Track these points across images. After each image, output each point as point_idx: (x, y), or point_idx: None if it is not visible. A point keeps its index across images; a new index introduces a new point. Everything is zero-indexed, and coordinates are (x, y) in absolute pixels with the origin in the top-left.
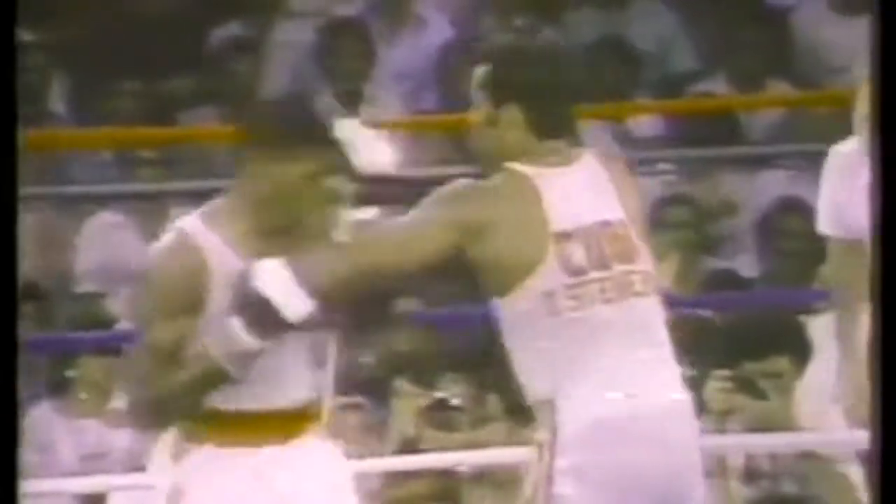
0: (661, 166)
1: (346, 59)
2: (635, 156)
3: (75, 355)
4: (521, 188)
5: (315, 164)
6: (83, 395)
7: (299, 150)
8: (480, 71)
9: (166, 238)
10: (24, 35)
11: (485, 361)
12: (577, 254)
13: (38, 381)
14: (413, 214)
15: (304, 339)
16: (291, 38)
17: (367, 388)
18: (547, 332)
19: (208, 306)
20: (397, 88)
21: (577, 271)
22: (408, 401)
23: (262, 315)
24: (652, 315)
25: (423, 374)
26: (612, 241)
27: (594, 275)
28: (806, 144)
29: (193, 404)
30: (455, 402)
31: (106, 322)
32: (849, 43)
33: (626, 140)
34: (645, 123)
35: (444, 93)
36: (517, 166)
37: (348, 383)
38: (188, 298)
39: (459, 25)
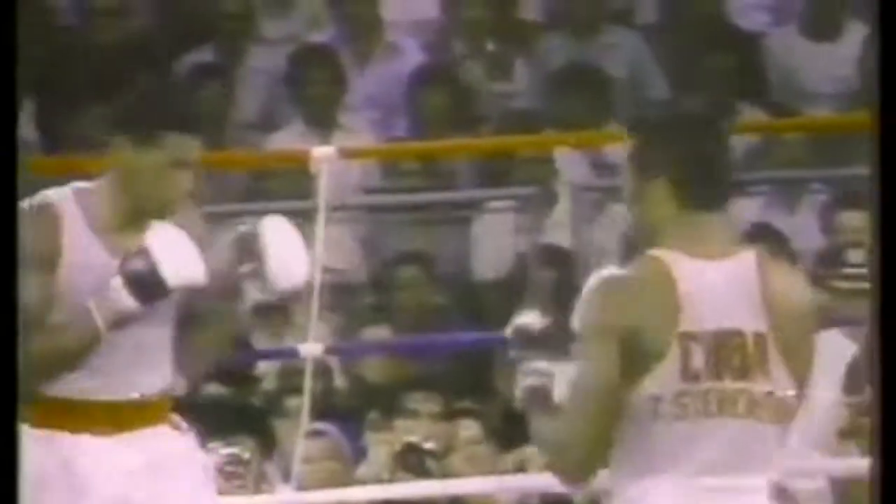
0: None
1: (317, 85)
2: (610, 184)
3: None
4: (660, 276)
5: (176, 153)
6: None
7: (162, 138)
8: (628, 143)
9: (34, 199)
10: None
11: (457, 386)
12: (697, 359)
13: None
14: (580, 356)
15: (144, 335)
16: (262, 64)
17: (339, 415)
18: (644, 433)
19: (58, 273)
20: (369, 115)
21: (692, 377)
22: (381, 445)
23: (145, 282)
24: (749, 441)
25: (394, 402)
26: (737, 354)
27: (706, 385)
28: (779, 171)
29: (67, 366)
30: (428, 446)
31: None
32: (821, 68)
33: (602, 168)
34: (618, 151)
35: (416, 119)
36: (658, 252)
37: (319, 409)
38: (43, 260)
39: (431, 51)
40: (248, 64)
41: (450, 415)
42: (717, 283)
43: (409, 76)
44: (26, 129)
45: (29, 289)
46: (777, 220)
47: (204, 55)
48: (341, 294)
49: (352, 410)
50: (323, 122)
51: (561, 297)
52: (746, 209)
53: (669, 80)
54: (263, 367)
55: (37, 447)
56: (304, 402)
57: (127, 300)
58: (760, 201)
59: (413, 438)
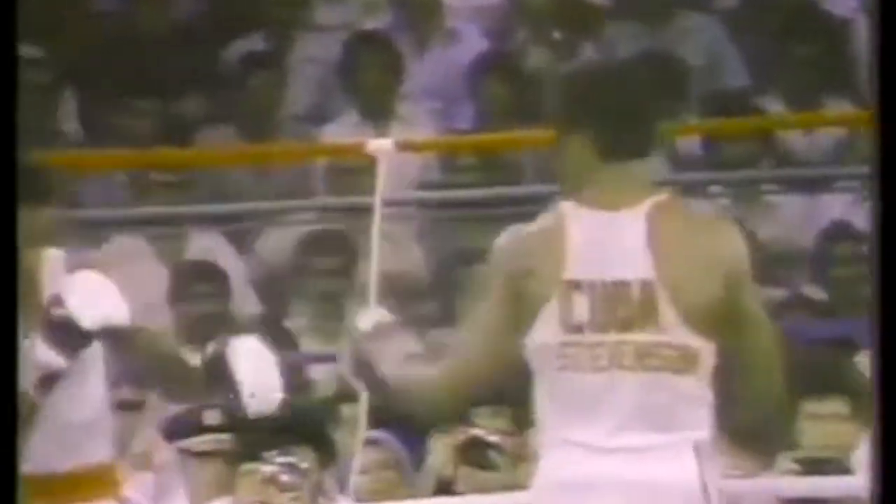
0: (713, 189)
1: (372, 74)
2: (682, 178)
3: None
4: (553, 226)
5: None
6: None
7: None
8: (553, 96)
9: None
10: (29, 51)
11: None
12: (580, 311)
13: None
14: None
15: (77, 399)
16: (314, 52)
17: (396, 423)
18: (541, 385)
19: None
20: (428, 105)
21: (573, 329)
22: (443, 438)
23: (62, 331)
24: (646, 393)
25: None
26: (622, 304)
27: (589, 337)
28: (864, 167)
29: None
30: (492, 438)
31: None
32: None
33: (677, 162)
34: (693, 144)
35: (479, 110)
36: (563, 203)
37: (376, 417)
38: None
39: (493, 38)
40: (300, 52)
41: (520, 428)
42: (609, 233)
43: (471, 64)
44: (67, 121)
45: None
46: (858, 219)
47: (254, 43)
48: (400, 296)
49: (411, 419)
50: (379, 112)
51: None
52: (830, 207)
53: (749, 68)
54: (318, 373)
55: None
56: (360, 409)
57: (48, 354)
58: (845, 199)
59: (477, 431)
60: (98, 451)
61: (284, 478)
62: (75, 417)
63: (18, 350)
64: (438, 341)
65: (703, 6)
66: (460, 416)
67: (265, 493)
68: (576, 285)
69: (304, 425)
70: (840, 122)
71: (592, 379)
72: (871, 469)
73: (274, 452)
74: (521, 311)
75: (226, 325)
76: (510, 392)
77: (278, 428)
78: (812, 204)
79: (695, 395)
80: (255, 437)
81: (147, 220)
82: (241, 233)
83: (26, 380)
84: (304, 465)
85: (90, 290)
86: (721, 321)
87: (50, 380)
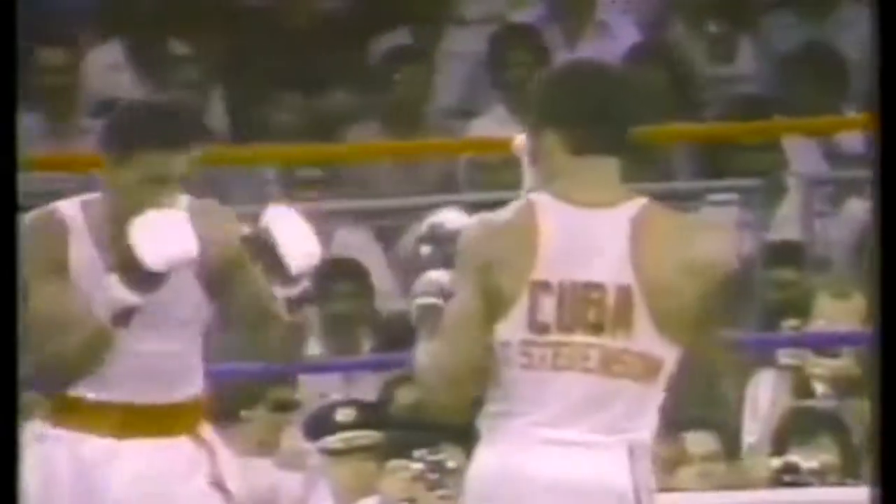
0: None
1: (520, 68)
2: (845, 175)
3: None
4: (525, 219)
5: (154, 170)
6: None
7: (137, 157)
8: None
9: (39, 210)
10: (179, 49)
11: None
12: (547, 309)
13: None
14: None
15: (165, 337)
16: (461, 47)
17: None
18: (500, 378)
19: (70, 275)
20: None
21: (538, 328)
22: None
23: (135, 269)
24: (602, 396)
25: None
26: (593, 307)
27: (554, 337)
28: None
29: (86, 366)
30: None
31: None
32: None
33: (835, 158)
34: (855, 140)
35: None
36: (535, 196)
37: (434, 434)
38: (54, 263)
39: (646, 30)
40: (447, 46)
41: (677, 427)
42: (585, 232)
43: (623, 56)
44: (215, 117)
45: (39, 294)
46: None
47: (401, 37)
48: None
49: None
50: (527, 107)
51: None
52: None
53: None
54: None
55: (55, 446)
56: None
57: (122, 292)
58: None
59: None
60: (181, 388)
61: (432, 476)
62: (158, 350)
63: (18, 349)
64: None
65: None
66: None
67: (412, 491)
68: (545, 285)
69: (451, 423)
70: (841, 127)
71: (546, 377)
72: (872, 475)
73: (422, 451)
74: (491, 304)
75: (368, 323)
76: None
77: (426, 425)
78: None
79: (647, 402)
80: (403, 434)
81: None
82: (386, 229)
83: (103, 312)
84: (452, 463)
85: (160, 228)
86: (695, 324)
87: (126, 314)
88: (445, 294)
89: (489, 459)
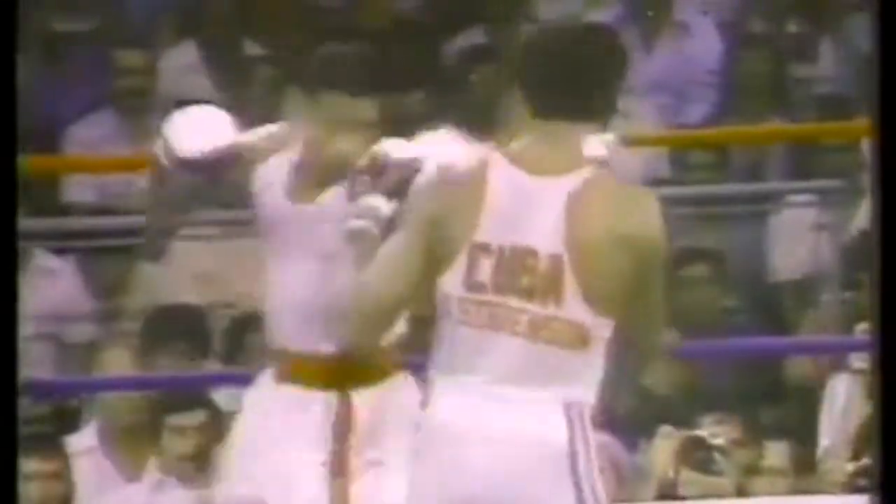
0: None
1: None
2: None
3: None
4: (477, 177)
5: (333, 113)
6: None
7: (322, 97)
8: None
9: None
10: (253, 49)
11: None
12: (484, 271)
13: None
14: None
15: None
16: None
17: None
18: (441, 330)
19: None
20: (656, 100)
21: (475, 287)
22: (665, 440)
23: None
24: (533, 361)
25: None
26: (527, 273)
27: (489, 297)
28: None
29: None
30: (716, 441)
31: None
32: None
33: None
34: None
35: (713, 105)
36: (493, 152)
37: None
38: None
39: (726, 31)
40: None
41: (753, 438)
42: (527, 199)
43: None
44: (291, 117)
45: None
46: None
47: (475, 37)
48: None
49: (634, 422)
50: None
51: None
52: None
53: None
54: None
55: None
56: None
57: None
58: None
59: (699, 432)
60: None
61: None
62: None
63: (18, 349)
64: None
65: None
66: None
67: None
68: (485, 247)
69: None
70: (841, 133)
71: (485, 336)
72: (872, 478)
73: None
74: (433, 255)
75: None
76: (740, 401)
77: None
78: None
79: (581, 369)
80: None
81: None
82: None
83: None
84: None
85: (196, 121)
86: (624, 298)
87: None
88: (380, 222)
89: (431, 411)
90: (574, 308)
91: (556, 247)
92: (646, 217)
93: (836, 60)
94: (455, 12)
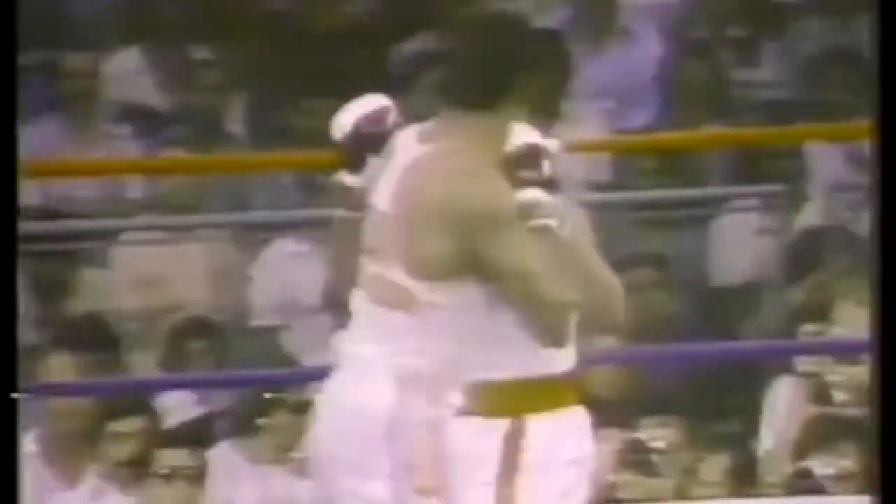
0: None
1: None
2: (867, 181)
3: (266, 403)
4: (394, 152)
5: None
6: (270, 442)
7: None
8: None
9: None
10: (200, 53)
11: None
12: (367, 232)
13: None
14: None
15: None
16: None
17: None
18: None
19: None
20: (599, 105)
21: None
22: (605, 443)
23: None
24: (366, 315)
25: (626, 424)
26: (373, 234)
27: (364, 259)
28: None
29: None
30: (656, 444)
31: (283, 359)
32: None
33: (861, 164)
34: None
35: (657, 110)
36: (407, 130)
37: None
38: None
39: (670, 37)
40: None
41: (694, 441)
42: (402, 167)
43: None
44: (234, 123)
45: None
46: None
47: (424, 42)
48: None
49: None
50: (545, 112)
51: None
52: None
53: None
54: None
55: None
56: None
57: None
58: None
59: (639, 434)
60: (563, 363)
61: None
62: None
63: (17, 348)
64: None
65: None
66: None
67: None
68: (372, 211)
69: None
70: (864, 133)
71: (357, 295)
72: (872, 480)
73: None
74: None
75: None
76: (682, 405)
77: None
78: None
79: (411, 331)
80: None
81: (313, 223)
82: None
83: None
84: None
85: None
86: (451, 266)
87: None
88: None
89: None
90: (399, 269)
91: (385, 205)
92: (471, 188)
93: (779, 65)
94: (404, 17)
